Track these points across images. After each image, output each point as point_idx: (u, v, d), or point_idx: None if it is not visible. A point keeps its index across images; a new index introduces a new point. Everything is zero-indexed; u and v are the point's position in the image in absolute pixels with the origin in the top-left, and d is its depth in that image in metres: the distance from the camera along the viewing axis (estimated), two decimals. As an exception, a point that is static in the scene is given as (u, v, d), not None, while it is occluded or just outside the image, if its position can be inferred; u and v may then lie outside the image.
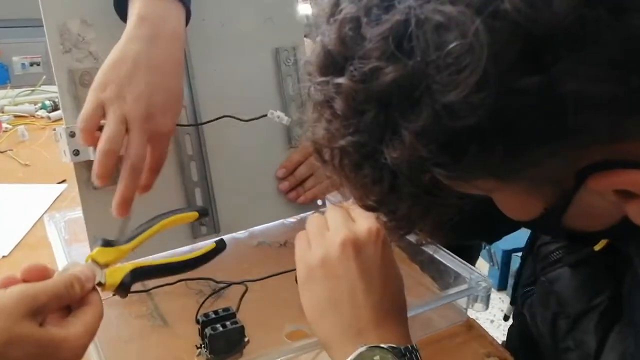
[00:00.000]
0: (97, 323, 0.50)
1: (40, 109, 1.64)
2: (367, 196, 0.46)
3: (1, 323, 0.43)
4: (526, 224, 0.51)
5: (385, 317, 0.56)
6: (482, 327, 0.76)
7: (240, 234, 0.94)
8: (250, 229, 0.95)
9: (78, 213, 0.86)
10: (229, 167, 0.92)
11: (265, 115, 0.88)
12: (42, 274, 0.50)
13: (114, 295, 0.56)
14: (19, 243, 0.91)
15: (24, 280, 0.48)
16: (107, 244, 0.57)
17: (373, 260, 0.58)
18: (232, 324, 0.63)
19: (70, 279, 0.50)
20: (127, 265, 0.57)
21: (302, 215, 0.99)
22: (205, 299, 0.73)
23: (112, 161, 0.67)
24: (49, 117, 1.58)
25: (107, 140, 0.66)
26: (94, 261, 0.55)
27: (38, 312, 0.46)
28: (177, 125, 0.79)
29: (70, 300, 0.49)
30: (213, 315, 0.64)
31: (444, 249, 0.80)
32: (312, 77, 0.44)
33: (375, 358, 0.51)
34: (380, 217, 0.51)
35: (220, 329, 0.63)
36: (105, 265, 0.55)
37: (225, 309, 0.65)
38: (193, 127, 0.88)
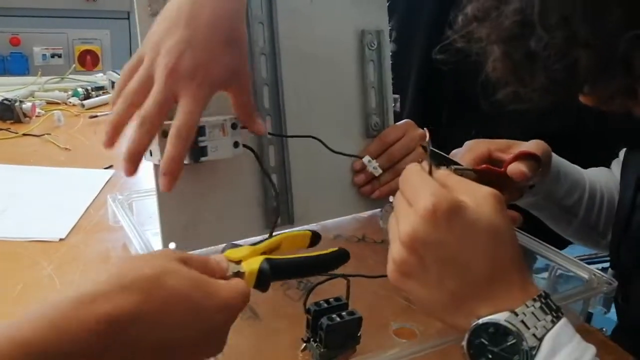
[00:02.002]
0: (245, 296, 0.49)
1: (72, 96, 1.56)
2: None
3: (158, 260, 0.46)
4: None
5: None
6: (601, 332, 0.68)
7: (314, 226, 0.86)
8: (323, 223, 0.87)
9: (144, 195, 0.78)
10: (306, 154, 0.85)
11: (360, 158, 0.86)
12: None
13: (254, 288, 0.53)
14: (74, 226, 0.82)
15: None
16: (236, 245, 0.56)
17: (447, 243, 0.48)
18: (348, 314, 0.55)
19: (215, 257, 0.52)
20: (260, 257, 0.54)
21: (374, 210, 0.92)
22: (313, 288, 0.61)
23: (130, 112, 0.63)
24: (82, 105, 1.50)
25: (129, 92, 0.62)
26: (228, 259, 0.53)
27: (189, 264, 0.47)
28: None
29: (214, 273, 0.50)
30: (325, 305, 0.56)
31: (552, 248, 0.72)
32: None
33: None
34: None
35: (338, 319, 0.54)
36: (239, 262, 0.53)
37: (337, 299, 0.57)
38: (275, 115, 0.81)
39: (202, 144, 0.68)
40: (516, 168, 0.66)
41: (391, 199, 0.92)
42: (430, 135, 0.57)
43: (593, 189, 0.81)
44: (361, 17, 0.88)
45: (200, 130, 0.67)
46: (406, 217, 0.49)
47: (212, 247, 0.75)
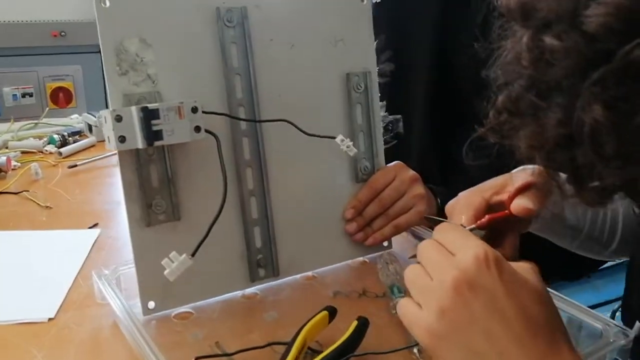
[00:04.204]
0: None
1: (48, 143, 1.52)
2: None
3: None
4: None
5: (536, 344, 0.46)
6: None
7: (309, 281, 0.83)
8: (319, 274, 0.85)
9: (130, 267, 0.74)
10: (290, 204, 0.83)
11: (332, 138, 0.80)
12: None
13: None
14: (63, 301, 0.78)
15: None
16: None
17: (496, 291, 0.47)
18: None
19: None
20: None
21: (368, 256, 0.90)
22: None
23: None
24: (59, 153, 1.46)
25: None
26: None
27: None
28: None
29: None
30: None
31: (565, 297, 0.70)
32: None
33: None
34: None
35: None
36: None
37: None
38: (255, 163, 0.80)
39: (155, 128, 0.66)
40: (519, 206, 0.64)
41: (385, 244, 0.90)
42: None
43: None
44: (346, 60, 0.86)
45: (154, 114, 0.66)
46: (449, 265, 0.48)
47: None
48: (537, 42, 0.42)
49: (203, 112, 0.71)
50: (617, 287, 1.72)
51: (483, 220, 0.64)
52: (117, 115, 0.66)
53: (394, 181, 0.87)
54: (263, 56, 0.79)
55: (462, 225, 0.64)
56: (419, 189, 0.87)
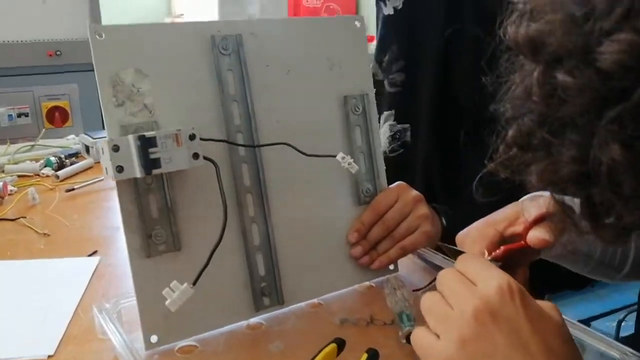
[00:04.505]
0: None
1: (45, 166, 1.50)
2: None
3: None
4: None
5: None
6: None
7: (315, 308, 0.82)
8: (325, 301, 0.84)
9: (131, 300, 0.73)
10: (292, 229, 0.82)
11: (333, 156, 0.79)
12: None
13: None
14: (63, 336, 0.77)
15: None
16: None
17: (520, 324, 0.47)
18: None
19: None
20: None
21: (375, 280, 0.88)
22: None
23: None
24: (56, 176, 1.44)
25: None
26: None
27: None
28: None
29: None
30: None
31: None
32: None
33: None
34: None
35: None
36: None
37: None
38: (255, 189, 0.79)
39: (153, 156, 0.66)
40: (536, 237, 0.63)
41: (391, 267, 0.89)
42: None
43: None
44: (343, 83, 0.85)
45: (151, 142, 0.66)
46: (472, 294, 0.48)
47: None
48: (548, 78, 0.41)
49: (201, 139, 0.71)
50: (621, 297, 1.72)
51: (499, 251, 0.63)
52: (115, 145, 0.66)
53: (397, 202, 0.86)
54: (259, 82, 0.79)
55: None
56: (423, 209, 0.86)
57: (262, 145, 0.78)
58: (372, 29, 1.21)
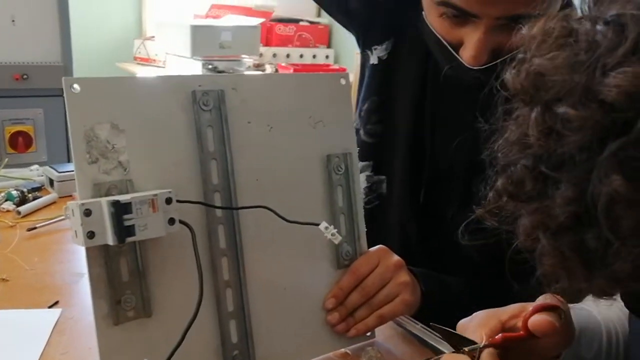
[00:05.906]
0: None
1: (5, 200, 1.43)
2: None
3: None
4: None
5: None
6: None
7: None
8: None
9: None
10: (268, 294, 0.79)
11: (316, 225, 0.77)
12: None
13: None
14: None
15: None
16: None
17: None
18: None
19: None
20: None
21: (350, 347, 0.85)
22: None
23: None
24: (18, 212, 1.37)
25: None
26: None
27: None
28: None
29: None
30: None
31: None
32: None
33: None
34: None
35: None
36: None
37: None
38: (231, 252, 0.75)
39: (127, 223, 0.62)
40: (538, 321, 0.60)
41: (368, 333, 0.85)
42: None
43: (609, 333, 0.77)
44: (326, 141, 0.83)
45: (126, 208, 0.62)
46: None
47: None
48: (547, 115, 0.41)
49: (177, 201, 0.67)
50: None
51: (497, 337, 0.60)
52: (86, 210, 0.62)
53: (378, 267, 0.83)
54: (240, 139, 0.76)
55: (474, 341, 0.60)
56: (404, 276, 0.83)
57: (241, 208, 0.74)
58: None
